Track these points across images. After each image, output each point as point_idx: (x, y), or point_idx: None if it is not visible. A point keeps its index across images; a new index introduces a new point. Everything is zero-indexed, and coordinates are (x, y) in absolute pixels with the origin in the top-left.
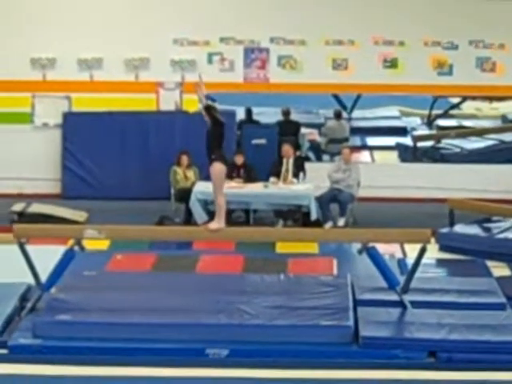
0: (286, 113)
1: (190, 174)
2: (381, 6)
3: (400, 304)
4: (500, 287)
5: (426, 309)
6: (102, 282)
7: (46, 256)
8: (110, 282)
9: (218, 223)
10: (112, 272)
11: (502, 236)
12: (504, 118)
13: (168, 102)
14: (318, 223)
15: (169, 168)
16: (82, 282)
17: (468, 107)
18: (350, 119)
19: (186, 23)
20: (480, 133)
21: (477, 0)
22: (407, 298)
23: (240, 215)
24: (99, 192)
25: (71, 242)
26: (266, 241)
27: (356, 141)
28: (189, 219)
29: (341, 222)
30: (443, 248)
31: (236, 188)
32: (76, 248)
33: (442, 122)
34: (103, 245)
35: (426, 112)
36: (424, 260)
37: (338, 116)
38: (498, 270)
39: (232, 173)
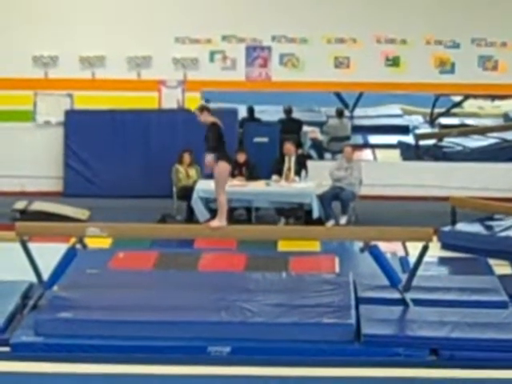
0: (288, 111)
1: (192, 172)
2: (383, 4)
3: (402, 302)
4: (502, 285)
5: (428, 307)
6: (104, 280)
7: (48, 254)
8: (112, 280)
9: (220, 221)
10: (114, 270)
11: (503, 234)
12: (506, 116)
13: (170, 100)
14: (320, 221)
15: (171, 166)
16: (84, 280)
17: (470, 105)
18: (351, 117)
19: (188, 21)
20: (482, 131)
21: None
22: (409, 296)
23: (242, 213)
24: (101, 190)
25: (73, 239)
26: (267, 239)
27: (358, 139)
28: (191, 217)
29: (343, 220)
30: (445, 246)
31: (238, 186)
32: (78, 246)
33: (444, 121)
34: (105, 243)
35: (428, 110)
36: (426, 258)
37: (340, 114)
38: (500, 268)
39: (234, 171)
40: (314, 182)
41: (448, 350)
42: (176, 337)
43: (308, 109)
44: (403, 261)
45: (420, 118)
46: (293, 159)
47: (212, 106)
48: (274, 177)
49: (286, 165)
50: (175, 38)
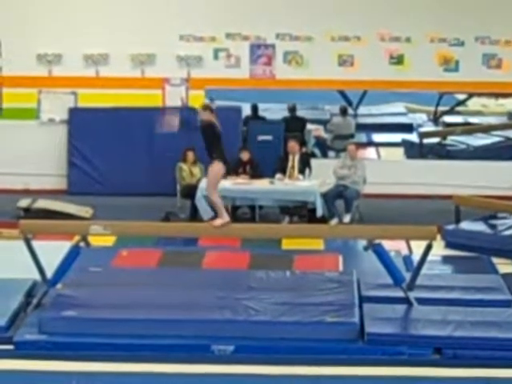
0: (292, 109)
1: (196, 170)
2: (387, 2)
3: (406, 301)
4: (506, 284)
5: (432, 305)
6: (108, 278)
7: (52, 252)
8: (115, 278)
9: (222, 218)
10: (118, 268)
11: (507, 233)
12: (510, 114)
13: (174, 98)
14: (324, 220)
15: (175, 164)
16: (87, 277)
17: (474, 104)
18: (355, 115)
19: (192, 19)
20: (486, 129)
21: None
22: (413, 294)
23: (246, 212)
24: (105, 188)
25: (77, 237)
26: (271, 237)
27: (362, 137)
28: (194, 215)
29: (346, 218)
30: (449, 245)
31: (242, 184)
32: (82, 244)
33: (448, 119)
34: (109, 241)
35: (432, 108)
36: (430, 257)
37: (343, 112)
38: (504, 266)
39: (238, 169)
40: (317, 180)
41: (451, 349)
42: (180, 335)
43: (312, 107)
44: (407, 259)
45: (424, 116)
46: (297, 157)
47: (216, 103)
48: (278, 175)
49: (290, 163)
50: (179, 36)
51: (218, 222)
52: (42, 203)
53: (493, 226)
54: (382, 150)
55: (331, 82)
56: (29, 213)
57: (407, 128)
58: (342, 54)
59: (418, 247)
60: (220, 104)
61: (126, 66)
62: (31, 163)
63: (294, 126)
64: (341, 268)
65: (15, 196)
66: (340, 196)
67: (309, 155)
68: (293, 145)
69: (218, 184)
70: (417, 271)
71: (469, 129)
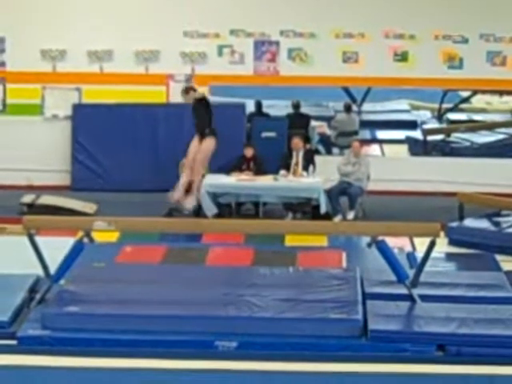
0: (296, 106)
1: None
2: None
3: (409, 298)
4: (509, 281)
5: (435, 303)
6: (112, 273)
7: (56, 248)
8: (119, 273)
9: (192, 200)
10: (121, 264)
11: (511, 230)
12: None
13: (178, 94)
14: (328, 216)
15: (178, 160)
16: (91, 273)
17: (478, 101)
18: (359, 112)
19: (196, 16)
20: (490, 127)
21: None
22: (416, 291)
23: (249, 208)
24: (108, 184)
25: (80, 233)
26: (275, 233)
27: (366, 134)
28: (198, 212)
29: (350, 215)
30: (452, 242)
31: (246, 181)
32: (85, 240)
33: (452, 116)
34: (112, 237)
35: (436, 106)
36: (433, 254)
37: (347, 109)
38: (508, 264)
39: (242, 165)
40: (321, 177)
41: (455, 346)
42: (183, 331)
43: (316, 103)
44: (410, 256)
45: (428, 114)
46: (300, 154)
47: (220, 100)
48: (282, 172)
49: (294, 160)
50: (183, 32)
51: (188, 200)
52: (46, 199)
53: (496, 224)
54: (386, 146)
55: (335, 79)
56: (32, 208)
57: (411, 125)
58: (347, 50)
59: (422, 244)
60: (224, 100)
61: (130, 62)
62: (35, 159)
63: (298, 122)
64: (344, 265)
65: (19, 192)
66: (344, 193)
67: (313, 152)
68: (297, 141)
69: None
70: (420, 268)
71: (473, 126)
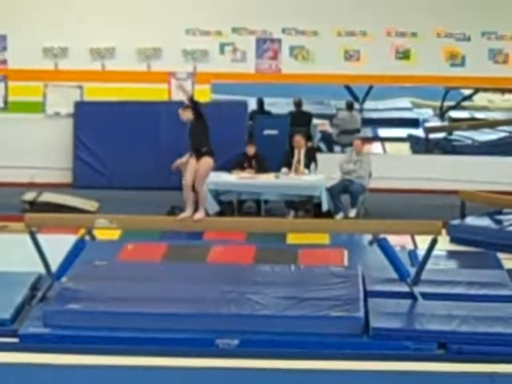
0: (298, 103)
1: None
2: None
3: (410, 295)
4: (511, 279)
5: (437, 300)
6: (113, 271)
7: (57, 245)
8: (120, 271)
9: (202, 213)
10: (123, 262)
11: None
12: None
13: (180, 92)
14: (329, 214)
15: (180, 158)
16: (92, 271)
17: (480, 99)
18: (361, 110)
19: (198, 13)
20: (492, 125)
21: None
22: (418, 289)
23: (251, 206)
24: (110, 182)
25: (82, 231)
26: (277, 231)
27: (368, 132)
28: None
29: (352, 213)
30: (454, 240)
31: (247, 179)
32: (87, 237)
33: (453, 114)
34: (114, 234)
35: (438, 103)
36: (435, 252)
37: (349, 107)
38: (509, 262)
39: (243, 163)
40: (323, 174)
41: (456, 344)
42: (184, 329)
43: (318, 101)
44: (412, 254)
45: (430, 111)
46: (302, 152)
47: (222, 98)
48: (284, 169)
49: (296, 157)
50: (185, 30)
51: (199, 215)
52: (48, 197)
53: (498, 222)
54: (388, 144)
55: (337, 77)
56: (34, 206)
57: (413, 123)
58: (348, 48)
59: (423, 242)
60: (226, 98)
61: (132, 59)
62: (37, 156)
63: (300, 120)
64: (346, 262)
65: (21, 189)
66: (346, 191)
67: (314, 150)
68: (298, 139)
69: (207, 177)
70: (422, 266)
71: (475, 124)
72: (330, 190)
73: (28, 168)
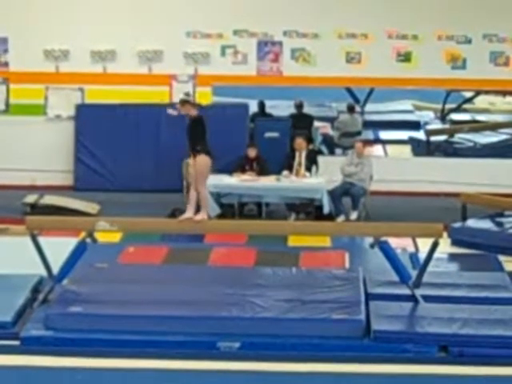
0: (299, 106)
1: None
2: None
3: (412, 298)
4: None
5: (438, 303)
6: (114, 274)
7: (58, 248)
8: (121, 274)
9: (203, 215)
10: (124, 264)
11: None
12: None
13: (181, 94)
14: (331, 217)
15: (181, 160)
16: (93, 274)
17: (481, 101)
18: (362, 113)
19: (199, 16)
20: (493, 127)
21: None
22: (419, 292)
23: (252, 208)
24: (112, 184)
25: (83, 234)
26: (278, 234)
27: (369, 134)
28: None
29: (353, 215)
30: (455, 242)
31: (248, 181)
32: (88, 240)
33: (455, 116)
34: (115, 237)
35: (440, 106)
36: (436, 254)
37: (350, 109)
38: (510, 264)
39: (245, 166)
40: (324, 177)
41: (457, 347)
42: (186, 332)
43: (319, 104)
44: (413, 257)
45: (431, 114)
46: (303, 154)
47: (223, 100)
48: (285, 172)
49: (297, 160)
50: (186, 33)
51: (199, 217)
52: (49, 199)
53: (499, 224)
54: (389, 147)
55: (338, 79)
56: (35, 209)
57: (414, 125)
58: (350, 51)
59: (425, 245)
60: (227, 101)
61: (133, 62)
62: (38, 159)
63: (301, 123)
64: (347, 265)
65: (22, 192)
66: (347, 193)
67: (316, 152)
68: (300, 142)
69: (207, 178)
70: (423, 269)
71: (476, 126)
72: (331, 193)
73: (29, 171)
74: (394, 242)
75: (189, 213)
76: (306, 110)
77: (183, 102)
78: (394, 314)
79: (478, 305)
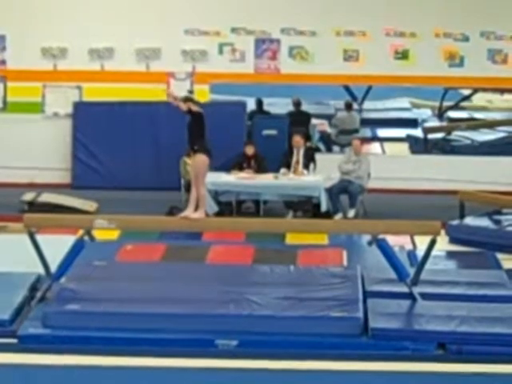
0: (297, 104)
1: None
2: None
3: (410, 296)
4: (510, 279)
5: (436, 301)
6: (112, 272)
7: (56, 246)
8: (119, 272)
9: (200, 213)
10: (122, 262)
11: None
12: None
13: (179, 92)
14: (328, 214)
15: (179, 158)
16: (91, 272)
17: (479, 99)
18: (360, 110)
19: (197, 14)
20: (491, 125)
21: None
22: (417, 289)
23: (250, 206)
24: (109, 182)
25: (81, 231)
26: (276, 232)
27: (366, 132)
28: None
29: (351, 213)
30: (453, 240)
31: (246, 179)
32: (86, 238)
33: (452, 114)
34: (113, 235)
35: (437, 104)
36: (434, 252)
37: (348, 107)
38: (508, 262)
39: (242, 164)
40: (322, 175)
41: (455, 344)
42: (183, 329)
43: (317, 101)
44: (411, 254)
45: (429, 112)
46: (301, 152)
47: (221, 98)
48: (283, 170)
49: (295, 158)
50: (184, 30)
51: (195, 215)
52: (47, 197)
53: (497, 222)
54: (387, 145)
55: (336, 77)
56: (33, 207)
57: (412, 123)
58: (347, 48)
59: (422, 242)
60: (225, 98)
61: (130, 60)
62: (36, 157)
63: (299, 120)
64: (345, 263)
65: (20, 190)
66: (344, 191)
67: (313, 150)
68: (297, 139)
69: (206, 176)
70: (421, 266)
71: (474, 124)
72: (328, 191)
73: (27, 168)
74: (391, 240)
75: (188, 210)
76: (304, 107)
77: (186, 99)
78: (392, 312)
79: (475, 302)
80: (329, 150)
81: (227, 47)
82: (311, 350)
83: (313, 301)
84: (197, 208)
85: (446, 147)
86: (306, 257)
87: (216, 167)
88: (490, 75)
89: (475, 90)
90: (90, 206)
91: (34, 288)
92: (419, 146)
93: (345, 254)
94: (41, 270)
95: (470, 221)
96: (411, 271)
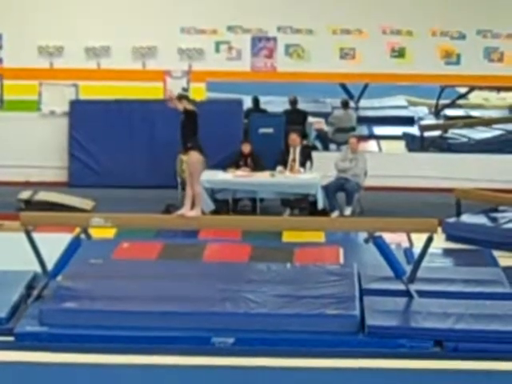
0: (293, 102)
1: None
2: None
3: (406, 293)
4: (506, 277)
5: (433, 298)
6: (109, 270)
7: (53, 244)
8: (116, 270)
9: (196, 211)
10: (118, 260)
11: (508, 226)
12: (511, 108)
13: (175, 90)
14: (325, 212)
15: (175, 156)
16: (88, 270)
17: (475, 97)
18: (357, 108)
19: (193, 12)
20: (487, 123)
21: None
22: (413, 287)
23: (247, 204)
24: (106, 180)
25: (78, 230)
26: (272, 230)
27: (363, 130)
28: None
29: (347, 211)
30: (450, 238)
31: (243, 177)
32: (82, 236)
33: (449, 112)
34: (110, 233)
35: (434, 102)
36: (430, 249)
37: (345, 105)
38: (505, 259)
39: (239, 161)
40: (318, 173)
41: (452, 342)
42: (180, 327)
43: (313, 100)
44: (408, 252)
45: (425, 110)
46: (298, 150)
47: (217, 96)
48: (279, 168)
49: (291, 156)
50: (181, 29)
51: (191, 213)
52: (43, 195)
53: (493, 219)
54: (383, 142)
55: (332, 75)
56: (30, 205)
57: (408, 121)
58: (344, 46)
59: (419, 240)
60: (221, 97)
61: (127, 58)
62: (32, 155)
63: (296, 118)
64: (341, 260)
65: (16, 188)
66: (341, 189)
67: (310, 148)
68: (294, 137)
69: (200, 174)
70: (417, 264)
71: (470, 122)
72: (325, 188)
73: (23, 167)
74: (388, 238)
75: (184, 208)
76: (300, 105)
77: (180, 97)
78: (389, 310)
79: (472, 300)
80: (325, 148)
81: (224, 45)
82: (308, 347)
83: (309, 298)
84: (193, 206)
85: (442, 145)
86: (303, 255)
87: (212, 165)
88: (486, 73)
89: (472, 88)
90: (86, 204)
91: (30, 286)
92: (416, 144)
93: (341, 251)
94: (37, 268)
95: (466, 218)
96: (408, 269)
